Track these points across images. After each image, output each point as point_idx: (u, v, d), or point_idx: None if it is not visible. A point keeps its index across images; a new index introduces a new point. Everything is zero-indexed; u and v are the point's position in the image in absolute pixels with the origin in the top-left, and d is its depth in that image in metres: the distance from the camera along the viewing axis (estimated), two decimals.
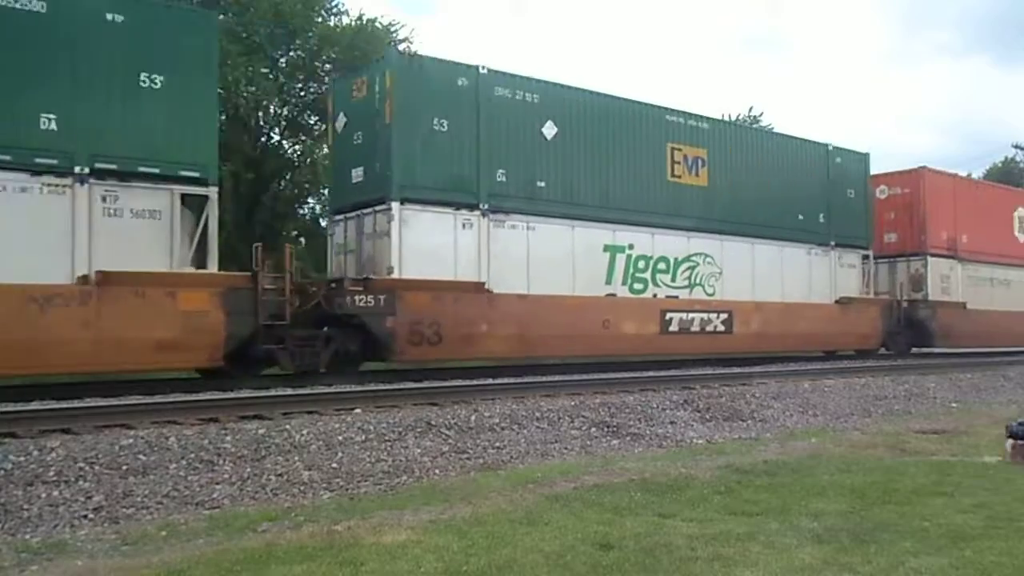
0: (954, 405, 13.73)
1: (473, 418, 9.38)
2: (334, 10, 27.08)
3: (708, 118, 18.63)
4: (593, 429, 9.75)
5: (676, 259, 16.74)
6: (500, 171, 14.09)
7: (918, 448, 8.97)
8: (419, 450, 8.12)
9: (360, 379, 12.35)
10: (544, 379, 12.64)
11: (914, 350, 22.21)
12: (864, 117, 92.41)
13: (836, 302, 19.73)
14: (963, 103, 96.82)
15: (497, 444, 8.64)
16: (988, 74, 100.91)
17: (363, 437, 8.28)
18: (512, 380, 12.51)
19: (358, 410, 9.41)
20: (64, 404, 8.82)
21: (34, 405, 8.79)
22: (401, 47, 26.87)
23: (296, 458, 7.46)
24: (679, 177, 16.86)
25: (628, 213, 15.89)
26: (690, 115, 17.80)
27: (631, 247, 15.95)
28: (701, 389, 12.61)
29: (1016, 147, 43.58)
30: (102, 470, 6.68)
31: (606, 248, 15.60)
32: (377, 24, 26.88)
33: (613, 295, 15.61)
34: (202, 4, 25.26)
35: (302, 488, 6.76)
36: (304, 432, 8.12)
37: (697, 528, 5.37)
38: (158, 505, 6.14)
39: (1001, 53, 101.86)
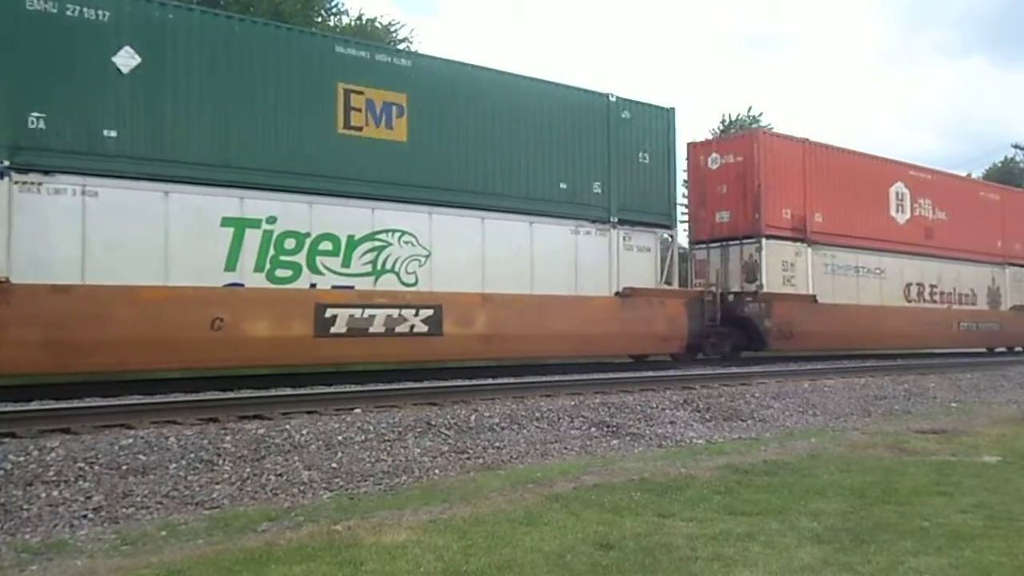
0: (954, 405, 13.73)
1: (473, 418, 9.38)
2: (334, 10, 27.15)
3: (411, 53, 16.32)
4: (593, 429, 9.75)
5: (352, 237, 12.78)
6: (35, 114, 10.33)
7: (918, 448, 8.97)
8: (419, 450, 8.13)
9: (359, 379, 12.36)
10: (544, 379, 12.65)
11: (757, 355, 19.06)
12: (864, 117, 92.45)
13: (616, 294, 15.69)
14: (963, 103, 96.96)
15: (497, 444, 8.64)
16: (988, 74, 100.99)
17: (363, 437, 8.28)
18: (512, 380, 12.51)
19: (358, 410, 9.41)
20: (64, 404, 8.82)
21: (34, 405, 8.80)
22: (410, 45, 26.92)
23: (296, 458, 7.46)
24: (358, 129, 12.82)
25: (267, 175, 11.96)
26: (381, 48, 15.11)
27: (271, 221, 12.04)
28: (701, 389, 12.62)
29: (1016, 147, 43.60)
30: (102, 470, 6.68)
31: (227, 222, 11.69)
32: (377, 24, 26.93)
33: (238, 285, 11.76)
34: (202, 4, 25.33)
35: (302, 488, 6.76)
36: (304, 432, 8.12)
37: (697, 528, 5.37)
38: (158, 505, 6.14)
39: (1001, 53, 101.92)
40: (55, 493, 6.16)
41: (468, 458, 8.09)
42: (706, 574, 4.47)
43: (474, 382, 12.11)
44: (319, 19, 26.07)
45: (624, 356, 17.24)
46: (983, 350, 25.45)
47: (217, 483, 6.71)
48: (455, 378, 12.94)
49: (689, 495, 6.37)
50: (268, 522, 5.63)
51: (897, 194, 21.74)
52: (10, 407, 8.34)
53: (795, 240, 18.79)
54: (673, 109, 16.93)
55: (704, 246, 19.33)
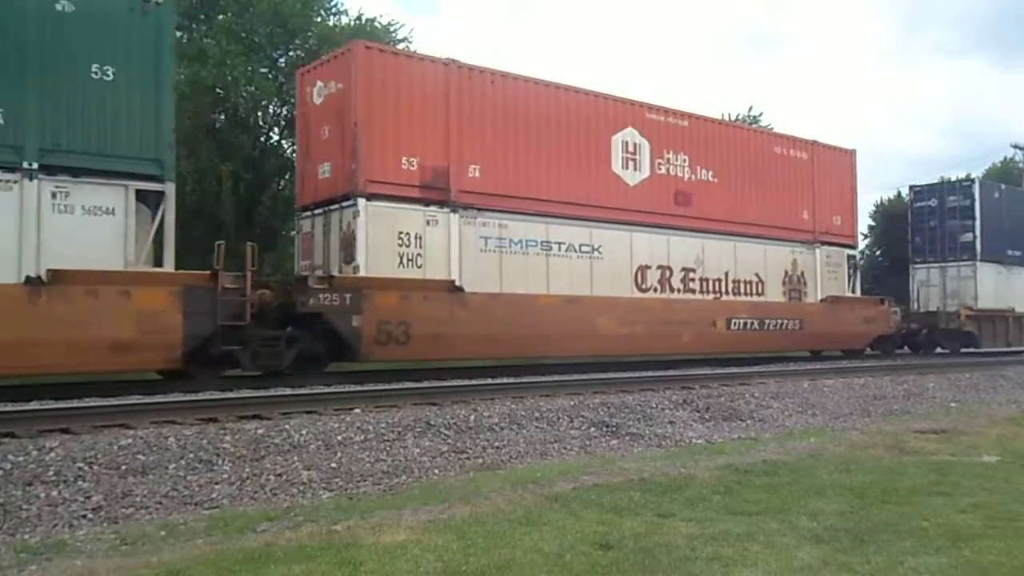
0: (953, 405, 13.73)
1: (472, 418, 9.38)
2: (333, 10, 27.11)
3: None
4: (592, 429, 9.75)
5: None
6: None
7: (917, 448, 8.97)
8: (418, 450, 8.12)
9: (359, 379, 12.35)
10: (543, 379, 12.66)
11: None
12: (864, 117, 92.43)
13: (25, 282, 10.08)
14: (962, 103, 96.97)
15: (496, 444, 8.64)
16: (987, 74, 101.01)
17: (362, 437, 8.28)
18: (511, 380, 12.51)
19: (357, 410, 9.41)
20: (63, 404, 8.82)
21: (33, 405, 8.80)
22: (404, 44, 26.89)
23: (295, 458, 7.46)
24: None
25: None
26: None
27: None
28: (700, 389, 12.62)
29: (1015, 147, 43.52)
30: (101, 470, 6.68)
31: None
32: (376, 24, 26.90)
33: None
34: (202, 4, 25.31)
35: (301, 488, 6.76)
36: (303, 432, 8.12)
37: (696, 528, 5.37)
38: (157, 505, 6.14)
39: (1000, 53, 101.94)
40: (54, 493, 6.16)
41: (467, 458, 8.08)
42: (705, 574, 4.47)
43: (473, 382, 12.12)
44: (318, 19, 26.03)
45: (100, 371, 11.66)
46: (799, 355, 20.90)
47: (216, 483, 6.70)
48: (454, 378, 12.94)
49: (688, 495, 6.37)
50: (267, 522, 5.63)
51: (626, 144, 16.18)
52: (10, 407, 8.33)
53: (428, 203, 13.48)
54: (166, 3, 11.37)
55: (309, 214, 14.34)
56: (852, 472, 7.36)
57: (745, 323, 18.06)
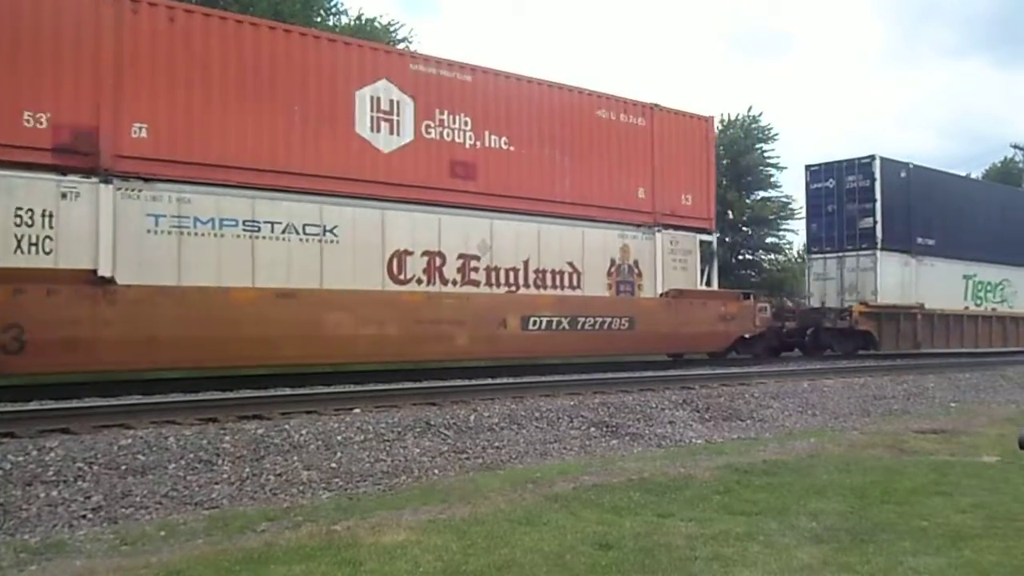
0: (953, 405, 13.74)
1: (472, 418, 9.38)
2: (333, 10, 27.13)
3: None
4: (592, 429, 9.75)
5: None
6: None
7: (917, 448, 8.98)
8: (418, 450, 8.13)
9: (359, 379, 12.35)
10: (543, 379, 12.65)
11: None
12: (864, 117, 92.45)
13: None
14: (962, 103, 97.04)
15: (496, 444, 8.64)
16: (987, 74, 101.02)
17: (362, 437, 8.28)
18: (511, 380, 12.50)
19: (357, 410, 9.41)
20: (63, 404, 8.82)
21: (33, 405, 8.80)
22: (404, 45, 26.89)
23: (295, 458, 7.46)
24: None
25: None
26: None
27: None
28: (700, 389, 12.62)
29: (1015, 147, 43.53)
30: (101, 470, 6.68)
31: None
32: (376, 24, 26.93)
33: None
34: (202, 3, 25.28)
35: (301, 488, 6.76)
36: (303, 432, 8.12)
37: (696, 528, 5.37)
38: (157, 505, 6.14)
39: (1000, 54, 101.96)
40: (54, 493, 6.16)
41: (467, 458, 8.09)
42: (705, 574, 4.47)
43: (473, 382, 12.12)
44: (318, 19, 26.05)
45: None
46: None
47: (216, 483, 6.71)
48: (454, 378, 12.94)
49: (688, 495, 6.37)
50: (267, 522, 5.63)
51: (376, 101, 12.99)
52: (9, 407, 8.33)
53: (65, 171, 10.47)
54: None
55: None
56: (852, 472, 7.37)
57: (550, 322, 14.54)
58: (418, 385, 11.54)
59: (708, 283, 17.73)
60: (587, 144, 15.59)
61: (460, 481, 7.09)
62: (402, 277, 13.18)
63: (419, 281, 13.31)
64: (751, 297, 18.64)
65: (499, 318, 13.97)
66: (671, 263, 16.84)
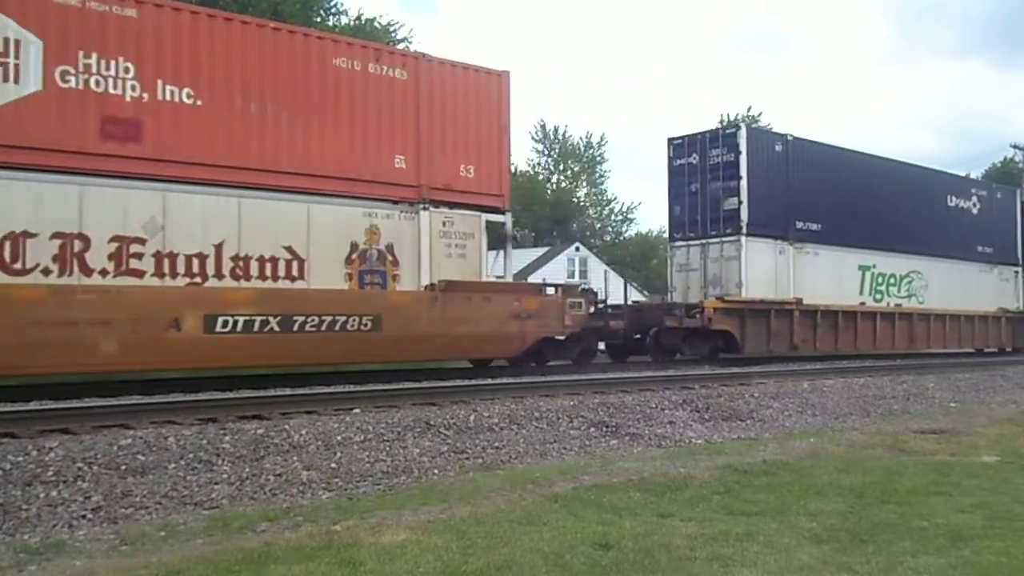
0: (953, 405, 13.74)
1: (472, 418, 9.37)
2: (333, 10, 27.14)
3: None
4: (592, 429, 9.75)
5: None
6: None
7: (917, 448, 8.98)
8: (418, 450, 8.12)
9: (358, 379, 12.34)
10: (543, 379, 12.65)
11: None
12: (864, 117, 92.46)
13: None
14: (962, 103, 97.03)
15: (496, 444, 8.64)
16: (987, 75, 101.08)
17: (362, 437, 8.28)
18: (511, 380, 12.50)
19: (357, 410, 9.41)
20: (63, 404, 8.82)
21: (32, 405, 8.79)
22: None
23: (295, 458, 7.46)
24: None
25: None
26: None
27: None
28: (700, 389, 12.61)
29: (1015, 147, 43.52)
30: (101, 470, 6.67)
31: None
32: (376, 24, 26.94)
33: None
34: (201, 3, 25.27)
35: (301, 488, 6.76)
36: (303, 432, 8.11)
37: (696, 528, 5.37)
38: (157, 505, 6.14)
39: (999, 54, 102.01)
40: (54, 493, 6.15)
41: (467, 458, 8.09)
42: (705, 574, 4.47)
43: (473, 382, 12.11)
44: (318, 19, 26.06)
45: None
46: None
47: (216, 483, 6.70)
48: (454, 378, 12.94)
49: (688, 495, 6.37)
50: (267, 522, 5.63)
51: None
52: (9, 407, 8.33)
53: None
54: None
55: None
56: (852, 472, 7.37)
57: (250, 323, 11.46)
58: (418, 385, 11.54)
59: (504, 273, 14.65)
60: (318, 99, 12.46)
61: (460, 481, 7.09)
62: (18, 267, 10.18)
63: (46, 271, 10.33)
64: (559, 290, 15.39)
65: (169, 317, 10.86)
66: (443, 249, 13.60)
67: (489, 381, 12.32)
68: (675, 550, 4.85)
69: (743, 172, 17.78)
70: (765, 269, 18.18)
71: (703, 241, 18.52)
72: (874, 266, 20.90)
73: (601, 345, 17.74)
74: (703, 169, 18.44)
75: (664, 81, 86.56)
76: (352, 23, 26.59)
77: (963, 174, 30.92)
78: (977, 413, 12.51)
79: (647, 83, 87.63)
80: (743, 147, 17.88)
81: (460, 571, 4.47)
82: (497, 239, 14.64)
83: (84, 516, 5.81)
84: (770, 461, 7.97)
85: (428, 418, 9.11)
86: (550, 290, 15.62)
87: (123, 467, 6.80)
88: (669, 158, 19.45)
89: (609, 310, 16.83)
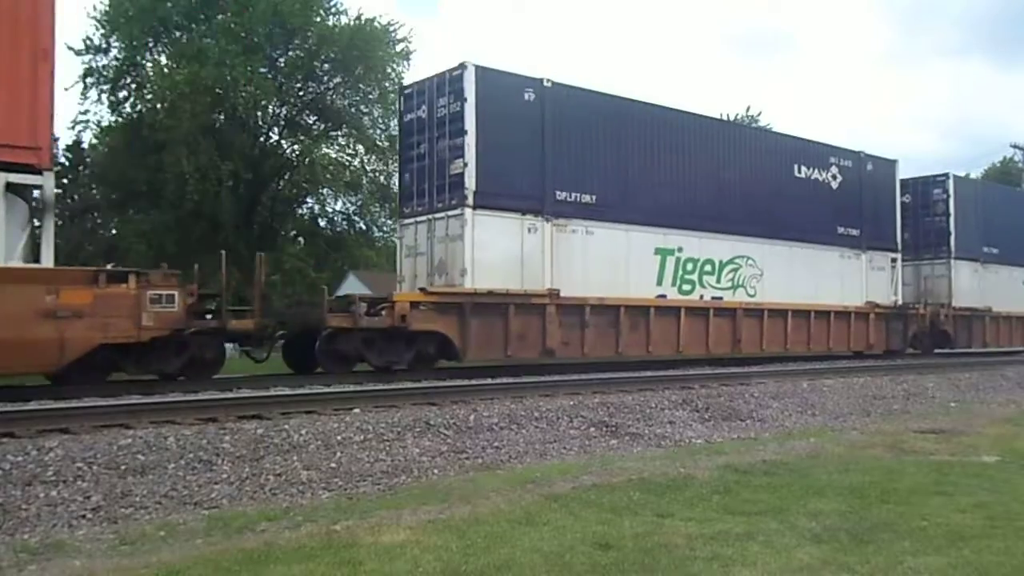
0: (952, 405, 13.73)
1: (472, 418, 9.37)
2: (332, 9, 27.12)
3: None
4: (592, 429, 9.75)
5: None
6: None
7: (917, 448, 8.98)
8: (418, 450, 8.12)
9: (358, 379, 12.33)
10: (543, 379, 12.63)
11: None
12: (864, 117, 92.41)
13: None
14: (962, 103, 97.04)
15: (496, 444, 8.64)
16: (987, 75, 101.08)
17: (362, 437, 8.28)
18: (511, 380, 12.48)
19: (357, 410, 9.40)
20: (62, 404, 8.80)
21: (32, 405, 8.78)
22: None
23: (295, 458, 7.46)
24: None
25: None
26: None
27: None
28: (700, 389, 12.61)
29: (1015, 147, 43.54)
30: (100, 470, 6.67)
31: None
32: (376, 24, 26.91)
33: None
34: (201, 3, 25.32)
35: (301, 488, 6.75)
36: (303, 432, 8.11)
37: (696, 528, 5.37)
38: (156, 505, 6.14)
39: (1000, 54, 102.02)
40: (54, 493, 6.15)
41: (467, 458, 8.08)
42: (705, 574, 4.47)
43: (473, 382, 12.10)
44: (317, 19, 26.04)
45: None
46: None
47: (216, 483, 6.70)
48: (454, 378, 12.93)
49: (688, 495, 6.37)
50: (267, 522, 5.63)
51: None
52: (9, 407, 8.32)
53: None
54: None
55: None
56: (851, 472, 7.36)
57: None
58: (418, 385, 11.53)
59: (36, 257, 10.47)
60: None
61: (460, 481, 7.08)
62: None
63: None
64: (132, 278, 10.94)
65: None
66: None
67: (489, 381, 12.31)
68: (675, 550, 4.85)
69: (469, 126, 13.59)
70: (501, 252, 13.92)
71: (429, 216, 14.43)
72: (679, 249, 16.47)
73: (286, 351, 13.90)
74: (431, 124, 14.43)
75: (664, 81, 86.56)
76: (352, 23, 26.56)
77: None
78: (977, 413, 12.51)
79: (647, 83, 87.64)
80: (469, 93, 13.58)
81: (460, 571, 4.47)
82: (23, 210, 10.35)
83: (84, 516, 5.80)
84: (770, 461, 7.97)
85: (428, 418, 9.11)
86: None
87: (123, 467, 6.80)
88: (400, 112, 15.97)
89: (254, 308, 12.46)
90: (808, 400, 12.69)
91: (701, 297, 16.85)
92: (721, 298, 17.20)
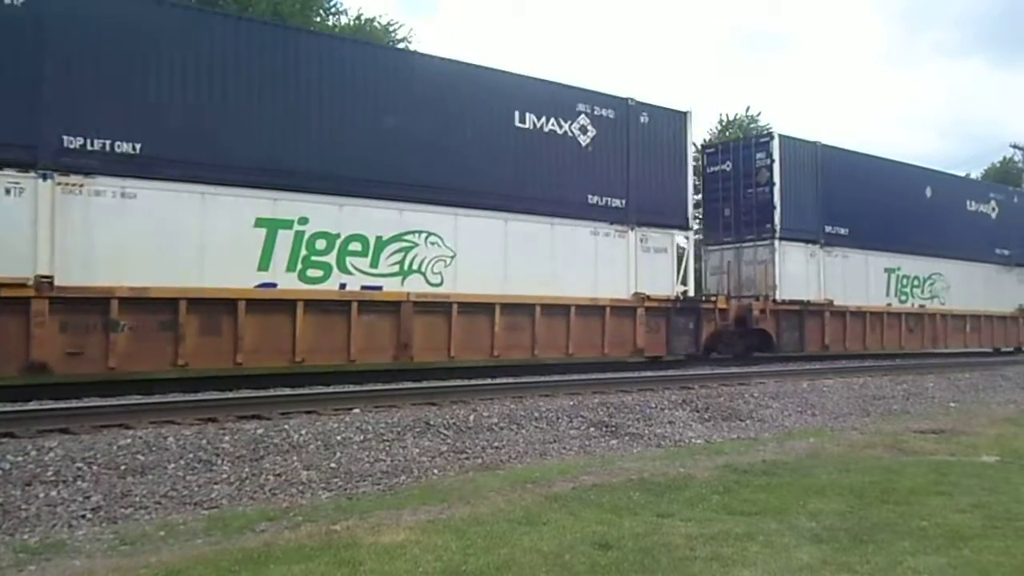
0: (952, 405, 13.73)
1: (472, 418, 9.38)
2: (332, 9, 27.15)
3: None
4: (592, 429, 9.75)
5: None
6: None
7: (916, 448, 8.98)
8: (417, 450, 8.12)
9: (358, 379, 12.33)
10: (543, 379, 12.64)
11: None
12: (864, 117, 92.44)
13: None
14: (962, 103, 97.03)
15: (496, 444, 8.64)
16: (987, 75, 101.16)
17: (361, 437, 8.28)
18: (510, 380, 12.49)
19: (356, 410, 9.41)
20: (62, 404, 8.82)
21: (32, 405, 8.80)
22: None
23: (294, 458, 7.46)
24: None
25: None
26: None
27: None
28: (699, 389, 12.62)
29: (1014, 147, 43.56)
30: (100, 470, 6.68)
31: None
32: (376, 24, 26.94)
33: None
34: (201, 3, 25.30)
35: (300, 488, 6.75)
36: (302, 432, 8.12)
37: (696, 528, 5.37)
38: (156, 505, 6.14)
39: (999, 54, 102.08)
40: (53, 493, 6.15)
41: (467, 458, 8.08)
42: (705, 574, 4.47)
43: (473, 382, 12.11)
44: (317, 19, 26.06)
45: None
46: None
47: (216, 483, 6.70)
48: (454, 378, 12.93)
49: (688, 495, 6.37)
50: (267, 522, 5.63)
51: None
52: (9, 407, 8.33)
53: None
54: None
55: None
56: (851, 472, 7.36)
57: None
58: (418, 385, 11.54)
59: None
60: None
61: (459, 481, 7.08)
62: None
63: None
64: None
65: None
66: None
67: (489, 381, 12.32)
68: (675, 550, 4.85)
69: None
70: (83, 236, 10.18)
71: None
72: (415, 232, 12.51)
73: None
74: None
75: (664, 81, 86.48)
76: (352, 23, 26.59)
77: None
78: (977, 413, 12.50)
79: (647, 83, 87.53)
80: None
81: (460, 571, 4.47)
82: None
83: (84, 516, 5.80)
84: (770, 461, 7.97)
85: (428, 418, 9.11)
86: None
87: (123, 467, 6.80)
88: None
89: None
90: (808, 400, 12.69)
91: (421, 290, 12.92)
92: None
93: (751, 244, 18.67)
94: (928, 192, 21.92)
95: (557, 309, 14.24)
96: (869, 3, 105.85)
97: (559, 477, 7.12)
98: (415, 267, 12.85)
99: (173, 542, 5.17)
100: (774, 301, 17.90)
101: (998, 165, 53.80)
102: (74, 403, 8.93)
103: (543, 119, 14.32)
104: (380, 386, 11.36)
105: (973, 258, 22.85)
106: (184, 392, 10.36)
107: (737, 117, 37.55)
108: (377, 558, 4.67)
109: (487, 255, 13.54)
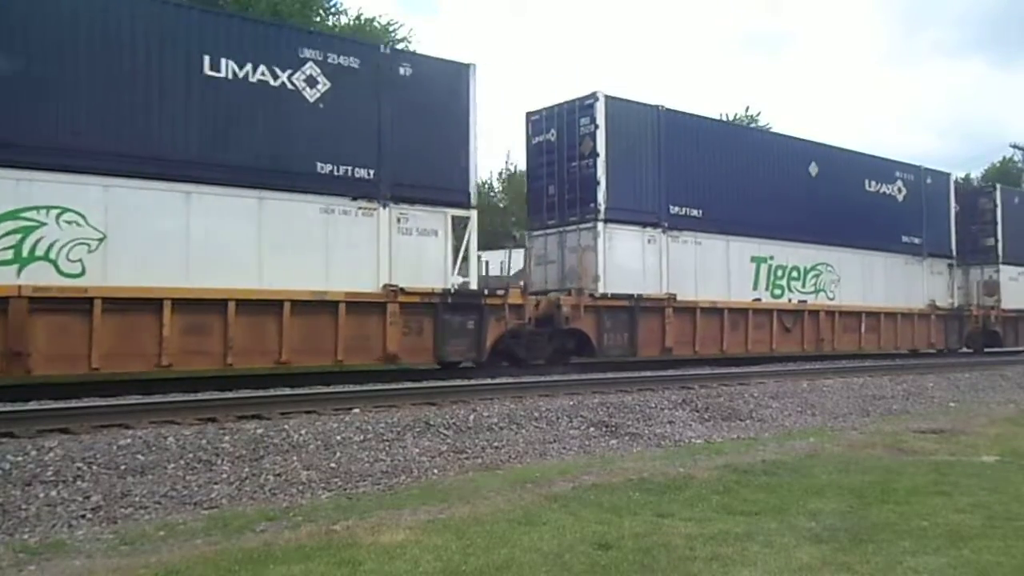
0: (952, 404, 13.73)
1: (471, 418, 9.38)
2: (332, 9, 27.11)
3: None
4: (591, 429, 9.75)
5: None
6: None
7: (916, 448, 8.98)
8: (417, 450, 8.12)
9: (358, 379, 12.33)
10: (542, 379, 12.63)
11: None
12: (864, 117, 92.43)
13: None
14: (962, 103, 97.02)
15: (495, 444, 8.64)
16: (987, 75, 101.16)
17: (361, 437, 8.28)
18: (510, 380, 12.49)
19: (356, 410, 9.41)
20: (62, 404, 8.81)
21: (32, 405, 8.79)
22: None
23: (294, 458, 7.46)
24: None
25: None
26: None
27: None
28: (699, 389, 12.61)
29: (1014, 147, 43.57)
30: (100, 470, 6.68)
31: None
32: (376, 24, 26.93)
33: None
34: (201, 2, 25.26)
35: (300, 488, 6.75)
36: (302, 432, 8.12)
37: (695, 528, 5.36)
38: (156, 505, 6.14)
39: (999, 54, 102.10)
40: (53, 493, 6.15)
41: (467, 458, 8.08)
42: (705, 574, 4.47)
43: (473, 382, 12.11)
44: (317, 19, 26.02)
45: None
46: None
47: (215, 483, 6.70)
48: (454, 378, 12.93)
49: (688, 495, 6.37)
50: (266, 522, 5.63)
51: None
52: (9, 407, 8.33)
53: None
54: None
55: None
56: (851, 472, 7.36)
57: None
58: (417, 385, 11.53)
59: None
60: None
61: (459, 481, 7.08)
62: None
63: None
64: None
65: None
66: None
67: (489, 381, 12.31)
68: (675, 550, 4.85)
69: None
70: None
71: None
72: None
73: None
74: None
75: (664, 81, 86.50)
76: (352, 23, 26.57)
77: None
78: (976, 413, 12.50)
79: (647, 83, 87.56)
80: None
81: (459, 571, 4.47)
82: None
83: (83, 516, 5.80)
84: (770, 461, 7.96)
85: (428, 418, 9.11)
86: None
87: (122, 467, 6.80)
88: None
89: None
90: (808, 400, 12.69)
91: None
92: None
93: (574, 228, 15.57)
94: (813, 169, 18.97)
95: (263, 306, 11.30)
96: (869, 3, 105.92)
97: (559, 477, 7.12)
98: (38, 253, 9.89)
99: (173, 542, 5.17)
100: (592, 296, 14.83)
101: (998, 165, 53.81)
102: (74, 403, 8.93)
103: (248, 66, 11.40)
104: (380, 386, 11.36)
105: (872, 247, 20.24)
106: (184, 392, 10.35)
107: (737, 117, 37.54)
108: (377, 558, 4.67)
109: (157, 238, 10.65)
